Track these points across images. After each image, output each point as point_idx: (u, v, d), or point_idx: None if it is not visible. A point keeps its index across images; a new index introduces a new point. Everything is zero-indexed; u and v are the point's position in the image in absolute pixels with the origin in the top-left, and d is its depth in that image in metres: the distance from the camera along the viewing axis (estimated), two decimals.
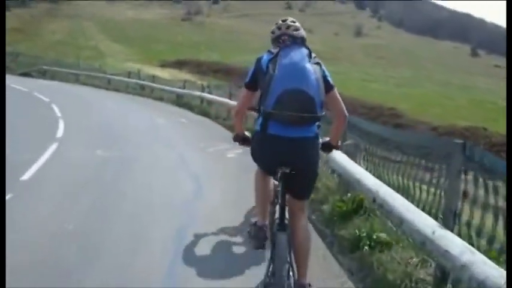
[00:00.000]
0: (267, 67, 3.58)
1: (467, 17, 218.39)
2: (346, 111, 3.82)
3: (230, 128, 13.37)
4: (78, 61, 37.55)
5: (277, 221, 3.70)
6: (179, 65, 61.91)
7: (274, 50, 3.69)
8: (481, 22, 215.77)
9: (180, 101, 21.32)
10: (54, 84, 30.42)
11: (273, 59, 3.60)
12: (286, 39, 3.80)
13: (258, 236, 3.80)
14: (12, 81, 26.19)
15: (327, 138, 3.98)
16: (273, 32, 3.90)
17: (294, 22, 3.90)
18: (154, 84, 25.81)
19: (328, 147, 3.99)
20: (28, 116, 14.60)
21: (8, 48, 49.75)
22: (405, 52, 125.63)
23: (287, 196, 3.70)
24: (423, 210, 4.37)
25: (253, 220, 4.05)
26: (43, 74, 35.88)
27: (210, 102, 19.05)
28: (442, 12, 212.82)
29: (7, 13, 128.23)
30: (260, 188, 3.92)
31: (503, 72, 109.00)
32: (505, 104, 41.05)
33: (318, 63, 3.61)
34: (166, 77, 37.83)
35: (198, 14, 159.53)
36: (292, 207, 3.77)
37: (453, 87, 59.34)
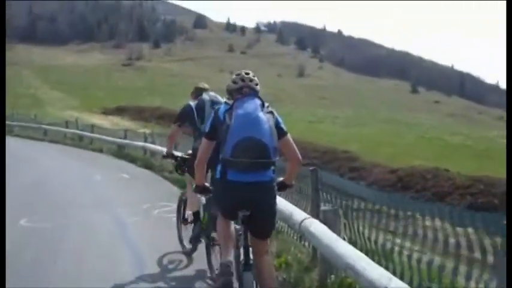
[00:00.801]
0: (224, 117, 3.89)
1: (406, 55, 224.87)
2: (299, 155, 4.18)
3: (177, 181, 12.03)
4: (12, 111, 35.31)
5: (242, 262, 4.00)
6: (120, 111, 59.96)
7: (230, 102, 4.00)
8: (419, 59, 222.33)
9: (122, 152, 19.61)
10: None
11: (229, 110, 3.90)
12: (247, 91, 4.09)
13: (224, 272, 3.85)
14: None
15: (281, 179, 4.28)
16: (235, 82, 4.16)
17: (254, 76, 4.21)
18: (93, 134, 24.09)
19: (283, 186, 4.31)
20: None
21: None
22: (347, 91, 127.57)
23: (250, 237, 4.01)
24: None
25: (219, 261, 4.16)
26: None
27: (153, 153, 17.52)
28: (380, 51, 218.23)
29: None
30: (222, 231, 4.10)
31: (445, 108, 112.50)
32: (453, 140, 41.15)
33: (270, 112, 3.97)
34: (106, 125, 36.09)
35: (139, 59, 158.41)
36: (256, 247, 4.03)
37: (398, 124, 59.64)
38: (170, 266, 6.22)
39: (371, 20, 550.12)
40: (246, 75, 4.18)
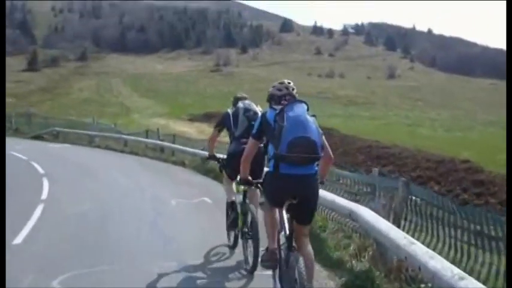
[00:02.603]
0: (275, 120, 4.47)
1: (501, 52, 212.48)
2: (332, 154, 4.91)
3: None
4: (93, 121, 33.58)
5: (286, 244, 4.64)
6: (208, 118, 58.12)
7: (277, 107, 4.61)
8: None
9: (205, 167, 16.52)
10: (63, 148, 26.43)
11: (279, 113, 4.46)
12: (289, 98, 4.80)
13: (271, 258, 4.64)
14: (15, 146, 22.81)
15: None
16: (280, 90, 4.91)
17: (293, 85, 4.98)
18: (174, 145, 21.27)
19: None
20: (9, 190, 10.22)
21: (20, 110, 46.83)
22: (440, 92, 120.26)
23: (294, 223, 4.59)
24: None
25: (265, 247, 4.84)
26: (56, 137, 32.02)
27: None
28: (474, 49, 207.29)
29: (36, 73, 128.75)
30: (270, 220, 4.68)
31: None
32: None
33: (313, 115, 4.60)
34: (192, 134, 33.65)
35: (227, 64, 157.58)
36: (299, 231, 4.60)
37: (499, 127, 54.12)
38: None
39: (462, 18, 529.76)
40: (288, 84, 4.93)
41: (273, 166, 4.45)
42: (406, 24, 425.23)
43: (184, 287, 5.72)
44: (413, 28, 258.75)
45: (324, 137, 4.55)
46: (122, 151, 24.79)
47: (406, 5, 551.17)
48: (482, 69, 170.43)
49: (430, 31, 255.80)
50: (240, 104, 6.77)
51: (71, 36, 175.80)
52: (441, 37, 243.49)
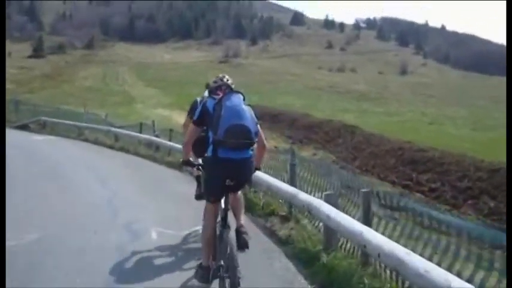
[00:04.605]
0: (214, 109, 4.86)
1: None
2: (266, 142, 5.44)
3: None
4: (84, 111, 30.23)
5: (221, 222, 5.02)
6: None
7: (217, 96, 5.08)
8: None
9: None
10: (44, 141, 23.15)
11: (218, 102, 4.86)
12: (225, 89, 5.46)
13: (203, 276, 4.95)
14: None
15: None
16: (215, 82, 5.67)
17: (229, 78, 5.74)
18: (170, 143, 17.69)
19: (254, 169, 5.25)
20: None
21: (8, 96, 43.48)
22: (455, 89, 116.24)
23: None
24: None
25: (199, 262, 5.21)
26: (42, 127, 28.71)
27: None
28: (488, 46, 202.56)
29: (41, 60, 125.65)
30: (208, 226, 5.07)
31: None
32: None
33: (248, 105, 4.93)
34: None
35: (236, 56, 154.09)
36: (232, 197, 5.14)
37: None
38: None
39: (476, 15, 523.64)
40: (223, 77, 5.70)
41: (212, 151, 4.85)
42: (419, 20, 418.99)
43: None
44: (426, 24, 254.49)
45: (259, 126, 5.01)
46: (111, 146, 21.37)
47: (418, 0, 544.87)
48: (496, 67, 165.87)
49: (443, 27, 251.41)
50: (206, 93, 7.05)
51: (79, 23, 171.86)
52: (455, 34, 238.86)
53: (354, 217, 6.15)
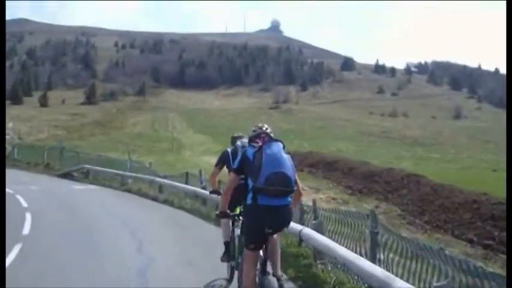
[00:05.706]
0: (254, 156, 5.03)
1: None
2: (301, 190, 5.50)
3: None
4: (128, 158, 28.70)
5: (260, 268, 5.23)
6: None
7: (257, 145, 5.23)
8: None
9: None
10: (84, 192, 21.60)
11: (258, 150, 5.05)
12: (265, 137, 5.59)
13: None
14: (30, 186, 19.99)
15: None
16: (254, 131, 5.84)
17: (267, 127, 5.87)
18: (218, 197, 15.67)
19: None
20: None
21: (55, 143, 42.76)
22: None
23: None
24: None
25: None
26: (86, 175, 27.29)
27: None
28: None
29: (93, 106, 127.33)
30: (249, 274, 5.15)
31: None
32: None
33: (288, 153, 5.15)
34: None
35: (286, 102, 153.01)
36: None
37: None
38: None
39: None
40: (262, 126, 5.86)
41: (252, 198, 5.00)
42: (472, 63, 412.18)
43: None
44: (479, 67, 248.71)
45: (297, 174, 5.17)
46: (154, 198, 19.50)
47: (471, 43, 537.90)
48: None
49: (497, 70, 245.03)
50: (238, 143, 7.14)
51: (131, 71, 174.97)
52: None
53: None
